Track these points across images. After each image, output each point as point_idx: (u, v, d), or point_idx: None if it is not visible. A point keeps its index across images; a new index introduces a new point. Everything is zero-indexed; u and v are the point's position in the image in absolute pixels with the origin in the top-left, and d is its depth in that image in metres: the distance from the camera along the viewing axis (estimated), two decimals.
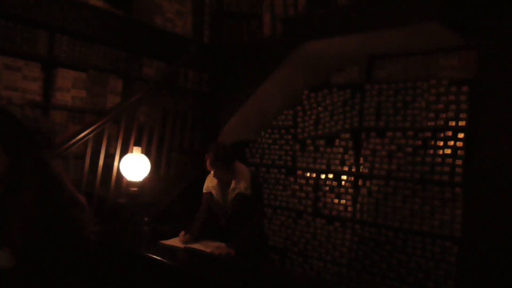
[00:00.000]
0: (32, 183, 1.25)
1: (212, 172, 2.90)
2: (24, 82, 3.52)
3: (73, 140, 3.10)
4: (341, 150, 3.72)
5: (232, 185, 2.83)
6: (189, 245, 2.75)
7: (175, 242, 2.84)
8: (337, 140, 3.75)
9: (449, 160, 3.12)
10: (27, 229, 1.20)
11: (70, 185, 1.34)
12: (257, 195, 2.87)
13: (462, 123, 3.08)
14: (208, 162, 2.82)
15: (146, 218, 3.26)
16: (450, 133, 3.13)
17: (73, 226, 1.30)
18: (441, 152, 3.16)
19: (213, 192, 2.92)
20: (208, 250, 2.70)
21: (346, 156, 3.68)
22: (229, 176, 2.85)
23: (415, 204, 3.28)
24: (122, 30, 3.99)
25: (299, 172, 3.99)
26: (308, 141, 3.94)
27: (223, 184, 2.90)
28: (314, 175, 3.89)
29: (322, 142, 3.85)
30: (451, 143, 3.12)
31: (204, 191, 3.00)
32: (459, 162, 3.08)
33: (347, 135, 3.67)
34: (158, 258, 2.58)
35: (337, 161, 3.74)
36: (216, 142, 3.12)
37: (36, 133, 1.33)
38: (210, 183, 2.96)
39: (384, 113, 3.46)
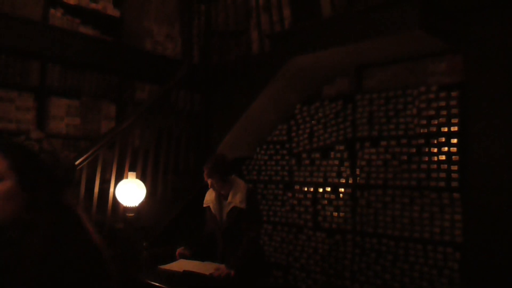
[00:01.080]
0: (48, 222, 1.16)
1: (210, 188, 2.91)
2: (17, 113, 3.55)
3: None
4: (336, 162, 3.71)
5: (229, 199, 2.83)
6: (188, 269, 2.72)
7: (173, 266, 2.82)
8: (332, 152, 3.74)
9: (445, 166, 3.11)
10: (39, 274, 1.10)
11: (90, 226, 1.25)
12: (253, 210, 2.84)
13: (454, 128, 3.08)
14: (205, 172, 2.82)
15: (145, 243, 3.24)
16: (443, 139, 3.12)
17: (90, 273, 1.16)
18: (435, 158, 3.15)
19: (211, 206, 2.93)
20: (207, 272, 2.67)
21: (342, 168, 3.67)
22: (226, 189, 2.86)
23: (414, 211, 3.25)
24: (113, 56, 4.03)
25: (297, 187, 3.98)
26: (304, 155, 3.94)
27: (221, 198, 2.91)
28: (311, 189, 3.87)
29: (317, 155, 3.85)
30: (445, 149, 3.11)
31: (204, 205, 3.01)
32: (454, 167, 3.06)
33: (342, 147, 3.67)
34: (158, 284, 2.55)
35: (334, 174, 3.73)
36: (215, 154, 3.13)
37: (55, 168, 1.24)
38: (208, 197, 2.99)
39: (377, 122, 3.46)
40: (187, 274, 2.70)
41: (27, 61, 3.59)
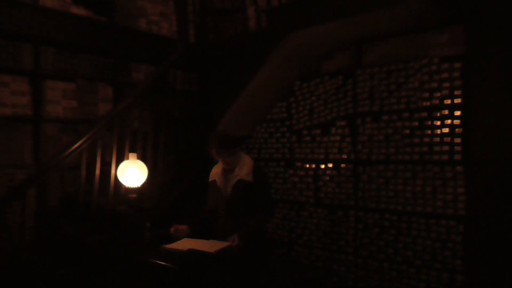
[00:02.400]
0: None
1: (219, 161, 2.90)
2: (13, 97, 3.48)
3: (67, 152, 3.07)
4: (338, 138, 3.68)
5: (235, 172, 2.83)
6: (192, 248, 2.72)
7: (178, 245, 2.81)
8: (333, 128, 3.71)
9: (448, 139, 3.08)
10: None
11: None
12: (262, 186, 2.82)
13: (457, 101, 3.04)
14: (214, 151, 2.81)
15: (148, 224, 3.24)
16: (446, 112, 3.09)
17: None
18: (438, 131, 3.13)
19: (217, 179, 2.92)
20: (212, 250, 2.67)
21: (343, 144, 3.65)
22: (233, 162, 2.85)
23: (416, 186, 3.25)
24: (107, 37, 3.94)
25: (298, 164, 3.96)
26: (304, 132, 3.91)
27: (227, 172, 2.90)
28: (313, 165, 3.86)
29: (318, 131, 3.82)
30: (448, 121, 3.08)
31: (209, 179, 3.00)
32: (457, 140, 3.04)
33: (343, 122, 3.63)
34: (162, 263, 2.55)
35: (335, 150, 3.70)
36: (214, 132, 3.11)
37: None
38: (214, 171, 2.98)
39: (378, 97, 3.42)
40: (191, 252, 2.70)
41: (19, 44, 3.50)
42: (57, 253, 3.18)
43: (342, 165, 3.65)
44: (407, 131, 3.27)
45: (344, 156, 3.64)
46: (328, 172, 3.75)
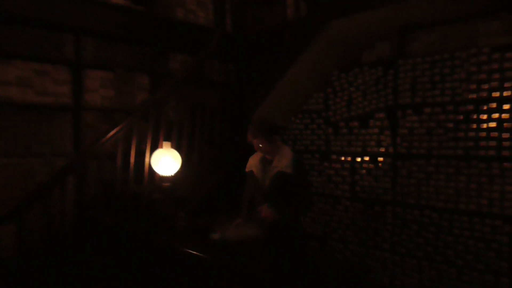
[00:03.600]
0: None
1: (256, 150, 2.82)
2: (54, 86, 3.58)
3: (103, 140, 3.12)
4: (376, 130, 3.55)
5: (274, 163, 2.74)
6: (230, 235, 2.68)
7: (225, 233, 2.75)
8: (371, 121, 3.58)
9: (495, 134, 2.90)
10: None
11: None
12: (302, 177, 2.70)
13: (507, 93, 2.85)
14: (250, 132, 2.73)
15: (181, 213, 3.25)
16: (494, 105, 2.90)
17: None
18: (485, 125, 2.95)
19: (254, 170, 2.82)
20: (250, 232, 2.61)
21: (382, 137, 3.52)
22: (272, 153, 2.74)
23: (459, 182, 3.09)
24: (145, 26, 3.97)
25: (333, 157, 3.87)
26: (341, 124, 3.80)
27: (265, 163, 2.80)
28: (349, 158, 3.75)
29: (355, 123, 3.70)
30: (496, 115, 2.90)
31: (246, 170, 2.93)
32: (505, 135, 2.86)
33: (382, 115, 3.50)
34: (195, 253, 2.55)
35: (373, 143, 3.58)
36: (257, 116, 3.04)
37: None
38: (252, 161, 2.88)
39: (420, 88, 3.26)
40: (230, 239, 2.66)
41: (61, 34, 3.59)
42: (96, 240, 3.26)
43: (380, 159, 3.52)
44: (451, 125, 3.10)
45: (382, 150, 3.51)
46: (364, 165, 3.63)
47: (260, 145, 2.73)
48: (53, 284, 2.94)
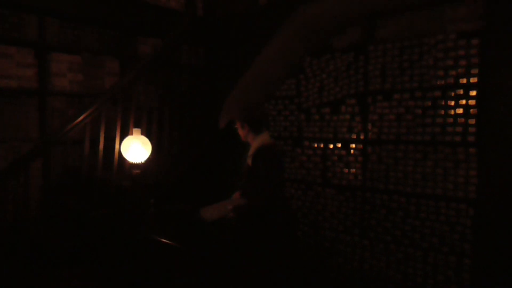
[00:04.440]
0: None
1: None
2: (18, 69, 3.46)
3: (71, 125, 3.04)
4: (347, 117, 3.58)
5: (249, 152, 2.80)
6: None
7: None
8: (343, 107, 3.60)
9: (461, 120, 2.96)
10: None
11: None
12: (262, 168, 2.66)
13: (473, 80, 2.90)
14: (224, 118, 2.80)
15: (151, 200, 3.22)
16: (461, 91, 2.95)
17: None
18: (452, 112, 3.00)
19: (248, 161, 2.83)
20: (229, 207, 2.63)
21: (353, 123, 3.54)
22: (244, 137, 2.85)
23: (427, 167, 3.15)
24: (114, 9, 3.85)
25: (306, 143, 3.88)
26: (313, 110, 3.81)
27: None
28: (321, 144, 3.77)
29: (327, 110, 3.71)
30: (463, 101, 2.95)
31: None
32: (472, 121, 2.92)
33: (353, 101, 3.52)
34: (165, 240, 2.54)
35: (344, 129, 3.60)
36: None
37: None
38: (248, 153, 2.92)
39: (390, 75, 3.29)
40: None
41: (24, 15, 3.45)
42: (62, 226, 3.20)
43: (351, 145, 3.55)
44: (419, 111, 3.15)
45: (354, 136, 3.54)
46: (336, 152, 3.66)
47: (238, 129, 2.78)
48: (16, 269, 2.88)
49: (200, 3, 4.17)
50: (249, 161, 2.72)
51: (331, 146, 3.70)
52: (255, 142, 2.78)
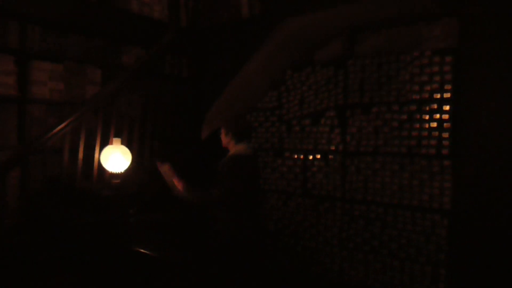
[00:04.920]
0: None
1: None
2: None
3: (50, 134, 3.02)
4: (327, 129, 3.65)
5: None
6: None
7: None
8: (322, 119, 3.68)
9: (436, 133, 3.06)
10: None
11: None
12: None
13: (447, 95, 3.01)
14: (206, 129, 2.84)
15: (131, 210, 3.21)
16: (435, 106, 3.06)
17: None
18: (427, 125, 3.10)
19: None
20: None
21: (332, 135, 3.62)
22: (225, 145, 2.93)
23: (403, 179, 3.23)
24: (98, 18, 3.86)
25: (287, 154, 3.93)
26: (294, 122, 3.87)
27: None
28: (301, 156, 3.83)
29: (307, 122, 3.78)
30: (437, 116, 3.05)
31: None
32: (445, 134, 3.02)
33: (332, 113, 3.60)
34: (144, 251, 2.54)
35: (324, 140, 3.67)
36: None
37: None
38: None
39: (368, 89, 3.38)
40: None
41: (5, 21, 3.43)
42: (40, 235, 3.15)
43: (330, 156, 3.62)
44: (396, 124, 3.24)
45: (333, 147, 3.61)
46: (316, 163, 3.72)
47: (221, 135, 2.92)
48: None
49: (184, 14, 4.22)
50: (219, 166, 2.79)
51: (311, 157, 3.76)
52: (232, 150, 2.85)
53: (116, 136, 3.25)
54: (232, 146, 2.88)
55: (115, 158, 3.01)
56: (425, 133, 3.10)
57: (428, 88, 3.07)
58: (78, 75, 3.88)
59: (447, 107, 3.01)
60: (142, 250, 2.57)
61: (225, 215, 2.76)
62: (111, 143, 3.15)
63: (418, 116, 3.13)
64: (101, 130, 3.25)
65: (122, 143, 3.19)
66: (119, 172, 3.04)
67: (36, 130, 3.58)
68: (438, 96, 3.03)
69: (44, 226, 3.17)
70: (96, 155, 3.20)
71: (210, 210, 2.84)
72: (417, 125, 3.14)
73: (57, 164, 3.50)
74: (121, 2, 4.22)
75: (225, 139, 2.92)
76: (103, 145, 3.17)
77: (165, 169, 2.78)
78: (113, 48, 4.09)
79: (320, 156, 3.69)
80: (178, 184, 2.72)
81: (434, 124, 3.05)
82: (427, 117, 3.09)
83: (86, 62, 3.89)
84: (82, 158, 3.16)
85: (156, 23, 4.22)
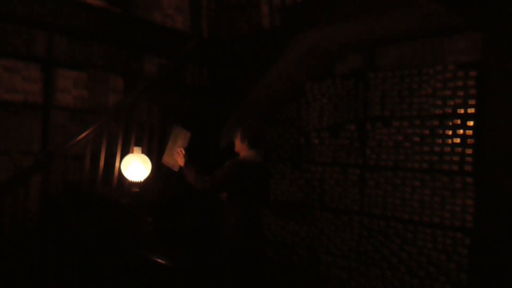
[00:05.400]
0: None
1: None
2: (24, 84, 3.51)
3: (73, 141, 3.07)
4: (347, 142, 3.61)
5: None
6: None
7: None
8: (342, 132, 3.64)
9: (459, 149, 2.99)
10: None
11: None
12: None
13: (471, 110, 2.95)
14: (239, 133, 2.94)
15: (149, 218, 3.23)
16: (458, 121, 3.00)
17: None
18: (449, 141, 3.04)
19: None
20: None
21: (352, 148, 3.58)
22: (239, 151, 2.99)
23: (424, 195, 3.17)
24: (121, 28, 3.93)
25: (305, 166, 3.90)
26: (313, 134, 3.85)
27: None
28: (320, 168, 3.79)
29: (327, 134, 3.75)
30: (460, 131, 2.99)
31: None
32: (469, 151, 2.95)
33: (353, 126, 3.57)
34: (160, 261, 2.54)
35: (343, 153, 3.63)
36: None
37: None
38: None
39: (389, 102, 3.34)
40: None
41: (33, 31, 3.52)
42: (60, 241, 3.20)
43: (349, 170, 3.58)
44: (417, 139, 3.18)
45: (352, 161, 3.57)
46: (335, 176, 3.68)
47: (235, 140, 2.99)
48: (12, 283, 2.87)
49: (206, 25, 4.26)
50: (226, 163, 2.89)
51: (329, 170, 3.73)
52: (243, 154, 2.92)
53: (136, 144, 3.28)
54: (244, 151, 2.92)
55: (135, 167, 3.04)
56: (448, 149, 3.04)
57: (451, 102, 3.02)
58: (101, 83, 3.95)
59: (471, 123, 2.94)
60: (159, 260, 2.57)
61: (227, 219, 2.82)
62: (132, 152, 3.18)
63: (440, 131, 3.08)
64: (122, 138, 3.29)
65: (142, 152, 3.22)
66: (139, 180, 3.07)
67: (59, 136, 3.65)
68: (462, 111, 2.97)
69: (63, 232, 3.21)
70: (117, 163, 3.24)
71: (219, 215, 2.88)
72: (440, 141, 3.08)
73: (77, 171, 3.56)
74: (144, 14, 4.30)
75: (240, 146, 2.94)
76: (124, 153, 3.21)
77: (181, 152, 3.04)
78: (136, 57, 4.16)
79: (339, 169, 3.65)
80: (186, 169, 2.94)
81: (457, 140, 2.99)
82: (450, 132, 3.03)
83: (109, 70, 3.96)
84: (103, 165, 3.20)
85: (178, 34, 4.28)
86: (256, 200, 2.88)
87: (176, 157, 3.06)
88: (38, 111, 3.60)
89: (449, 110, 3.03)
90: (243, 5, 4.05)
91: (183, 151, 3.04)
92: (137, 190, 3.10)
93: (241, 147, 2.95)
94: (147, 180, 3.18)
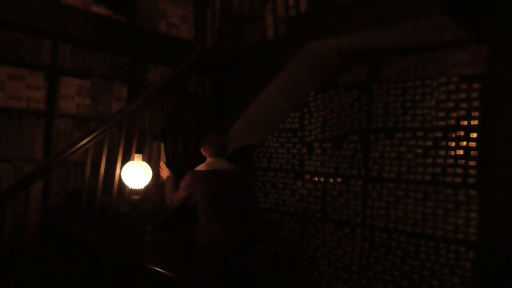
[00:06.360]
0: None
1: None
2: (28, 91, 3.53)
3: (74, 148, 3.07)
4: (349, 153, 3.59)
5: None
6: None
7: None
8: (345, 143, 3.63)
9: (462, 162, 2.97)
10: None
11: None
12: None
13: (474, 122, 2.93)
14: (207, 144, 3.00)
15: (149, 227, 3.22)
16: (462, 133, 2.98)
17: None
18: (453, 153, 3.01)
19: None
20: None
21: (354, 159, 3.56)
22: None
23: (427, 207, 3.13)
24: (126, 37, 3.96)
25: (307, 176, 3.89)
26: (316, 144, 3.84)
27: None
28: (322, 179, 3.77)
29: (329, 145, 3.74)
30: (464, 143, 2.97)
31: None
32: (472, 163, 2.92)
33: (355, 137, 3.55)
34: (160, 270, 2.51)
35: (345, 164, 3.61)
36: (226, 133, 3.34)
37: None
38: None
39: (393, 114, 3.33)
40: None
41: (38, 40, 3.56)
42: (59, 248, 3.18)
43: (352, 181, 3.55)
44: (420, 150, 3.16)
45: (354, 172, 3.55)
46: (337, 187, 3.66)
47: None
48: None
49: (210, 34, 4.29)
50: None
51: (332, 181, 3.70)
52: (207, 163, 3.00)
53: (137, 152, 3.28)
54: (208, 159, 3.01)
55: (136, 174, 3.04)
56: (451, 161, 3.01)
57: (454, 114, 3.00)
58: (105, 91, 3.97)
59: (474, 135, 2.92)
60: (158, 269, 2.54)
61: (201, 226, 2.87)
62: (133, 159, 3.18)
63: (443, 143, 3.05)
64: (123, 145, 3.28)
65: (143, 160, 3.22)
66: (139, 188, 3.06)
67: (62, 143, 3.66)
68: (465, 123, 2.95)
69: (64, 239, 3.20)
70: (117, 171, 3.23)
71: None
72: (443, 153, 3.06)
73: (78, 178, 3.56)
74: (149, 23, 4.33)
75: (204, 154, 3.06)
76: (125, 161, 3.21)
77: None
78: (140, 66, 4.18)
79: (341, 180, 3.63)
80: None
81: (461, 152, 2.97)
82: (453, 144, 3.01)
83: (113, 79, 3.99)
84: (103, 172, 3.19)
85: (182, 43, 4.31)
86: (243, 211, 2.86)
87: (160, 172, 3.23)
88: (42, 118, 3.61)
89: (453, 122, 3.02)
90: (248, 16, 4.08)
91: (164, 165, 3.21)
92: (137, 197, 3.09)
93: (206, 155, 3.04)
94: (148, 188, 3.18)
